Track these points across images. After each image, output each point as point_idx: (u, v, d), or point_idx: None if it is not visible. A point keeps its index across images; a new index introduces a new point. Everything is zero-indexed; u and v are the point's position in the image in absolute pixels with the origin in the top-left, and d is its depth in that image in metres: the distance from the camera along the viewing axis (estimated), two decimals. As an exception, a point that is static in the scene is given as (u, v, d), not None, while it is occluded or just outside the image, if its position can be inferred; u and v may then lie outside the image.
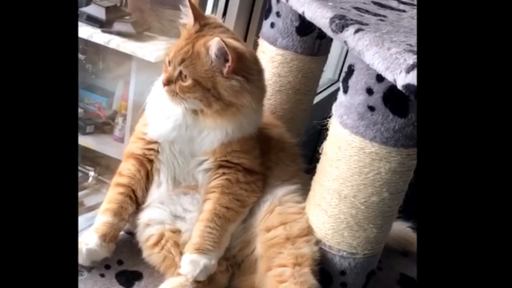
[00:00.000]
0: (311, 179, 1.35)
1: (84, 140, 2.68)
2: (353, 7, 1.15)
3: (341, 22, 1.03)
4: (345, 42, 1.02)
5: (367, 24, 1.03)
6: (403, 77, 0.88)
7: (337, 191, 1.22)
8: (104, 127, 2.81)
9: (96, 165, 2.64)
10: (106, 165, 2.64)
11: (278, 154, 1.42)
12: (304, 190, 1.37)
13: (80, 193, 2.47)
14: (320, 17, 1.09)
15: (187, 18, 1.27)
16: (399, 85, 0.89)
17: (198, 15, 1.27)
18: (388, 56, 0.92)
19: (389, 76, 0.92)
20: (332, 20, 1.05)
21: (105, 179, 2.55)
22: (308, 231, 1.28)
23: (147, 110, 1.34)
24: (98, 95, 2.84)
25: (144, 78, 2.53)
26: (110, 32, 2.47)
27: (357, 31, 1.00)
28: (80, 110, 2.80)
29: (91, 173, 2.59)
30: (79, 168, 2.60)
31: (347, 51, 2.48)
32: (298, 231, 1.27)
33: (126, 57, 2.56)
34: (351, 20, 1.03)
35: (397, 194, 1.22)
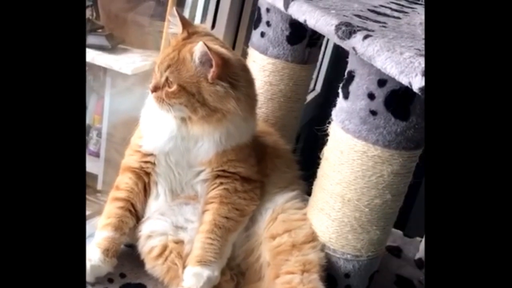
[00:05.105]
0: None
1: (57, 156, 2.62)
2: (353, 15, 1.17)
3: (348, 29, 1.05)
4: (353, 48, 1.04)
5: (373, 31, 1.05)
6: (419, 79, 0.91)
7: (341, 195, 1.23)
8: (77, 142, 2.76)
9: (73, 181, 2.58)
10: (82, 181, 2.59)
11: (274, 161, 1.42)
12: (303, 195, 1.39)
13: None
14: (325, 25, 1.10)
15: (176, 28, 1.28)
16: (415, 88, 0.92)
17: (187, 24, 1.28)
18: (402, 60, 0.95)
19: (403, 80, 0.94)
20: (338, 27, 1.07)
21: (83, 194, 2.49)
22: (313, 237, 1.29)
23: (141, 122, 1.33)
24: (69, 110, 2.78)
25: (119, 91, 2.51)
26: (84, 46, 2.43)
27: (365, 37, 1.02)
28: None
29: (68, 189, 2.53)
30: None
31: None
32: (303, 237, 1.28)
33: (100, 70, 2.53)
34: (358, 26, 1.05)
35: (398, 196, 1.24)
